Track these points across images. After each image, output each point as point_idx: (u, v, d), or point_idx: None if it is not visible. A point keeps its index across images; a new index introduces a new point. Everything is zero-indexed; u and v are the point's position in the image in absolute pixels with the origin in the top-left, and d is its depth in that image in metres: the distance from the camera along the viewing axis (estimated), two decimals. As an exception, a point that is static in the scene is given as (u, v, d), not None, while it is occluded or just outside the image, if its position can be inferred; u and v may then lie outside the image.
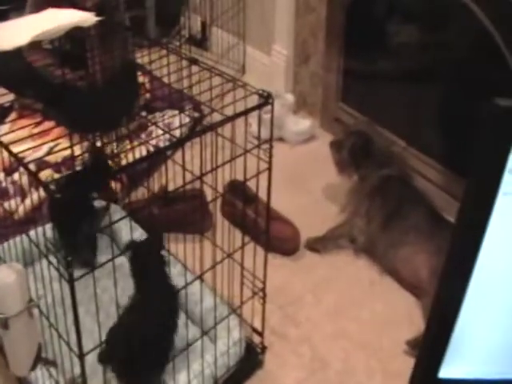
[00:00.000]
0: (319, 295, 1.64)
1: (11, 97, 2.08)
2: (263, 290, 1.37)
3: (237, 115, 1.16)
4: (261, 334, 1.43)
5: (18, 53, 1.58)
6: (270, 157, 1.23)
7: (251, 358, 1.41)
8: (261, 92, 1.19)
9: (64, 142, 1.59)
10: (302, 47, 2.37)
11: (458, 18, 1.81)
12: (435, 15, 1.89)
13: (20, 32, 1.30)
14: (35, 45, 2.15)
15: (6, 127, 1.93)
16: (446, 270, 0.86)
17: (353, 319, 1.57)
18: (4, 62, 1.96)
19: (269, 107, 1.20)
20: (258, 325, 1.43)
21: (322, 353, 1.48)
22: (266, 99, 1.19)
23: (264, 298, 1.37)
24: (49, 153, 1.68)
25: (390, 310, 1.59)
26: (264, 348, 1.43)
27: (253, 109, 1.19)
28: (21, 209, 1.76)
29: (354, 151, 1.78)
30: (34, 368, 1.15)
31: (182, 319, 1.44)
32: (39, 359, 1.15)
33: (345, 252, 1.77)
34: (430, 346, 0.91)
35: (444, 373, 0.90)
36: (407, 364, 1.41)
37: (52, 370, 1.22)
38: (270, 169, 1.25)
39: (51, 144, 1.62)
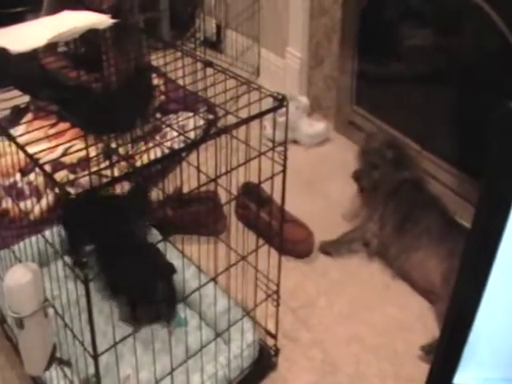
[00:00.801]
0: (332, 299, 1.64)
1: (27, 98, 2.09)
2: (277, 292, 1.37)
3: (251, 118, 1.16)
4: (274, 337, 1.43)
5: (32, 55, 1.59)
6: (285, 159, 1.23)
7: (264, 360, 1.41)
8: (275, 95, 1.19)
9: (79, 144, 1.60)
10: (316, 50, 2.37)
11: (471, 19, 1.80)
12: (449, 17, 1.88)
13: (36, 34, 1.31)
14: (51, 47, 2.17)
15: (21, 128, 1.94)
16: (461, 275, 0.85)
17: (365, 323, 1.56)
18: (19, 64, 1.97)
19: (283, 110, 1.20)
20: (271, 327, 1.43)
21: (333, 356, 1.47)
22: (281, 102, 1.19)
23: (278, 300, 1.37)
24: (64, 154, 1.69)
25: (402, 315, 1.59)
26: (277, 350, 1.43)
27: (267, 111, 1.19)
28: (37, 209, 1.77)
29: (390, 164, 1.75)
30: (48, 368, 1.16)
31: (195, 321, 1.45)
32: (54, 359, 1.16)
33: (358, 256, 1.76)
34: (445, 352, 0.90)
35: (459, 379, 0.89)
36: (420, 369, 1.42)
37: (66, 369, 1.22)
38: (284, 171, 1.25)
39: (67, 145, 1.63)
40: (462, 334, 0.86)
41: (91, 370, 1.11)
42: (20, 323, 1.10)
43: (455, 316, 0.87)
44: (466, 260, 0.83)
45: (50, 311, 1.14)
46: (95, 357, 1.05)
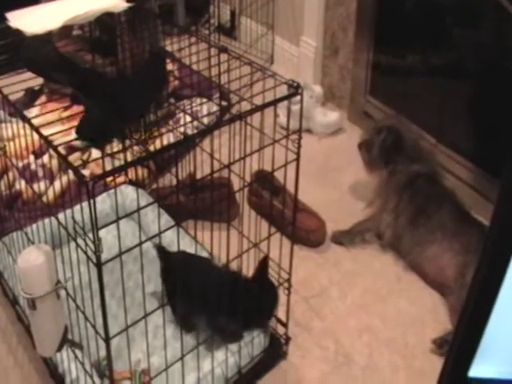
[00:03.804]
0: (344, 289, 1.63)
1: (41, 80, 2.09)
2: (288, 280, 1.36)
3: (266, 104, 1.15)
4: (285, 325, 1.42)
5: (47, 37, 1.58)
6: (299, 147, 1.21)
7: (275, 348, 1.40)
8: (290, 82, 1.17)
9: (93, 127, 1.59)
10: (331, 39, 2.35)
11: (489, 13, 1.78)
12: (467, 10, 1.86)
13: (51, 16, 1.30)
14: (65, 30, 2.17)
15: (35, 110, 1.94)
16: (479, 267, 0.84)
17: (377, 315, 1.56)
18: (33, 47, 1.97)
19: (297, 98, 1.19)
20: (282, 316, 1.42)
21: (345, 347, 1.47)
22: (296, 89, 1.17)
23: (289, 289, 1.36)
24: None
25: (415, 307, 1.58)
26: (288, 339, 1.43)
27: (282, 98, 1.18)
28: (50, 192, 1.77)
29: (384, 147, 1.75)
30: (59, 349, 1.16)
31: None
32: (65, 341, 1.16)
33: (371, 247, 1.75)
34: (461, 344, 0.89)
35: (474, 372, 0.88)
36: (431, 362, 1.41)
37: (77, 352, 1.22)
38: (298, 160, 1.23)
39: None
40: (478, 325, 0.85)
41: (102, 353, 1.11)
42: (32, 304, 1.10)
43: (472, 309, 0.86)
44: (485, 251, 0.82)
45: (62, 293, 1.14)
46: (107, 340, 1.05)
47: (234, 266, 1.30)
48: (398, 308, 1.57)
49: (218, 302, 1.28)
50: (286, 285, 1.36)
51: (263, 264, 1.31)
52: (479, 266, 0.83)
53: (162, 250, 1.41)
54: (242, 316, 1.29)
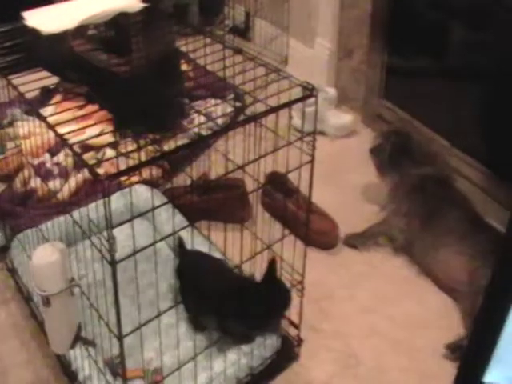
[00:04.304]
0: (355, 291, 1.62)
1: (56, 79, 2.10)
2: (301, 282, 1.36)
3: (281, 106, 1.15)
4: (297, 327, 1.42)
5: (62, 37, 1.59)
6: (313, 149, 1.21)
7: (287, 350, 1.40)
8: (305, 84, 1.18)
9: (108, 127, 1.60)
10: (345, 41, 2.35)
11: (505, 15, 1.77)
12: (481, 12, 1.85)
13: (67, 16, 1.31)
14: (81, 29, 2.18)
15: (50, 109, 1.95)
16: (494, 272, 0.84)
17: (387, 317, 1.55)
18: (49, 46, 1.98)
19: (311, 100, 1.19)
20: (294, 317, 1.42)
21: (355, 349, 1.46)
22: (311, 91, 1.18)
23: (302, 290, 1.36)
24: (100, 134, 1.69)
25: (425, 311, 1.57)
26: (300, 341, 1.43)
27: (297, 100, 1.18)
28: (65, 189, 1.77)
29: (394, 152, 1.76)
30: (73, 346, 1.17)
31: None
32: (78, 338, 1.17)
33: (383, 250, 1.75)
34: (476, 350, 0.89)
35: (489, 377, 0.88)
36: (440, 365, 1.41)
37: (90, 349, 1.23)
38: (312, 162, 1.23)
39: (101, 127, 1.64)
40: (493, 332, 0.85)
41: (115, 351, 1.12)
42: (47, 301, 1.11)
43: (487, 314, 0.86)
44: (501, 259, 0.82)
45: (76, 291, 1.15)
46: (120, 338, 1.05)
47: (246, 267, 1.30)
48: (408, 311, 1.57)
49: (227, 303, 1.28)
50: (298, 287, 1.36)
51: (271, 266, 1.30)
52: (494, 271, 0.83)
53: (181, 245, 1.41)
54: (250, 318, 1.29)
